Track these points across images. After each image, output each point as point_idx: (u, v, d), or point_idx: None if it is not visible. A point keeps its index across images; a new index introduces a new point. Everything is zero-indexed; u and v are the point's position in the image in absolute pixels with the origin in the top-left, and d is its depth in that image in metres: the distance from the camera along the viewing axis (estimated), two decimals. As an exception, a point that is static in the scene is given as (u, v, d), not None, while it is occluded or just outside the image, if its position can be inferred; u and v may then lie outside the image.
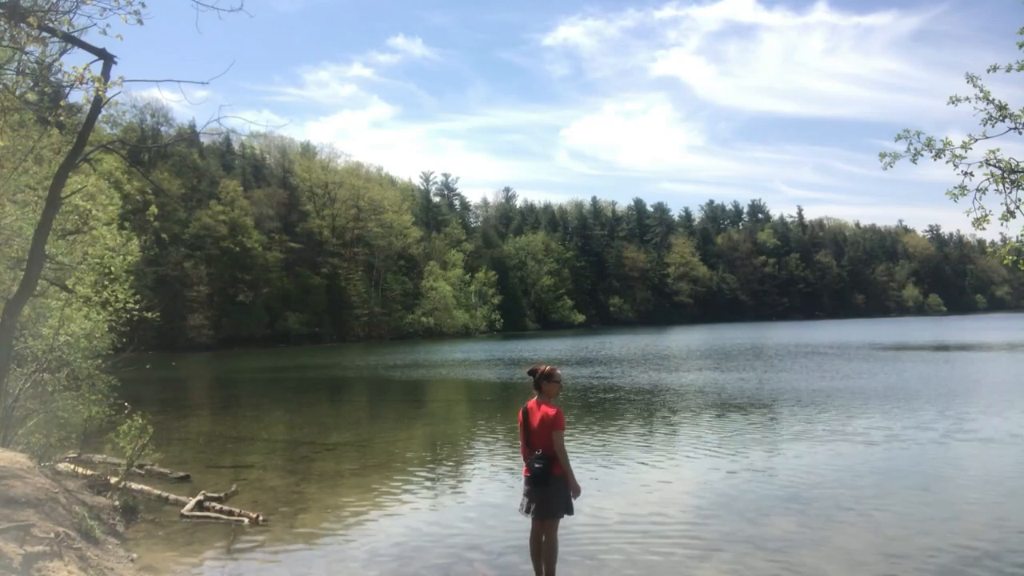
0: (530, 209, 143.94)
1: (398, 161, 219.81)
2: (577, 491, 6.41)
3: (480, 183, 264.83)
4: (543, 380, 6.55)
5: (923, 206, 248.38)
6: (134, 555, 7.58)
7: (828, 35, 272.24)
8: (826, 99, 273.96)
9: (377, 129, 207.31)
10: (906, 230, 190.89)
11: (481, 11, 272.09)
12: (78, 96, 12.47)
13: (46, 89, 9.66)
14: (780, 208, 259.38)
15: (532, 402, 6.59)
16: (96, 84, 7.21)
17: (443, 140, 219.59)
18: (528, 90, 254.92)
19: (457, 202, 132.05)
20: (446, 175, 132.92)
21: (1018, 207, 7.47)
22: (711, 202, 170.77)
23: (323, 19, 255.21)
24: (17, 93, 8.28)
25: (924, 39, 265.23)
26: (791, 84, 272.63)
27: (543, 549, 6.46)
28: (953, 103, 7.70)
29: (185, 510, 9.44)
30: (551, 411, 6.38)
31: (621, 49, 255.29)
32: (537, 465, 6.28)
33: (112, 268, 12.20)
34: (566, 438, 6.59)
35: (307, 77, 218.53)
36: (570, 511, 6.48)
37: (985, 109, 7.53)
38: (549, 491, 6.31)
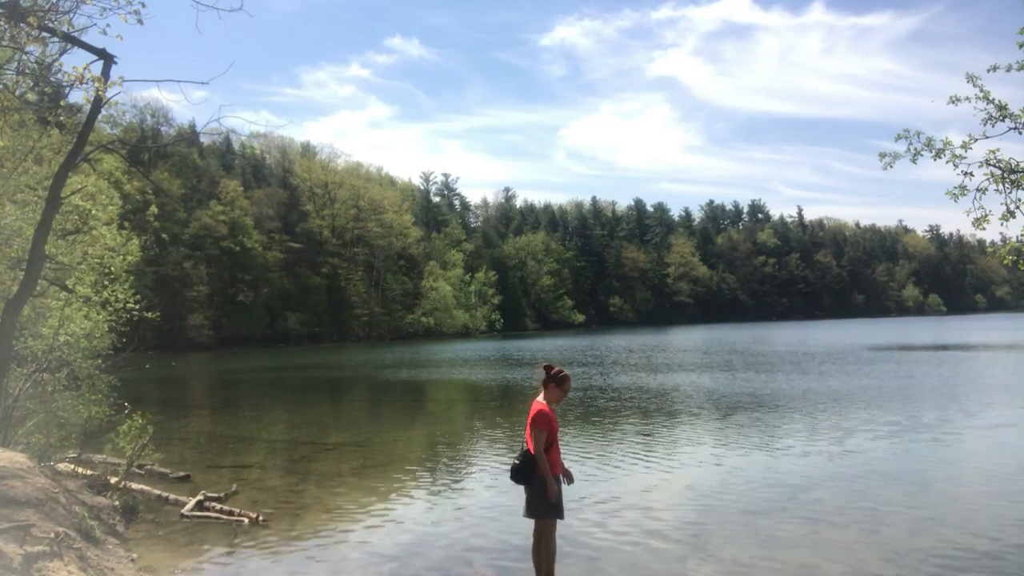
0: (530, 209, 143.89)
1: (396, 161, 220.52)
2: (553, 494, 6.15)
3: (479, 183, 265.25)
4: (550, 381, 6.47)
5: (923, 206, 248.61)
6: (134, 555, 7.58)
7: (825, 35, 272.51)
8: (823, 99, 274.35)
9: (375, 129, 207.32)
10: (906, 230, 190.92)
11: (478, 11, 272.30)
12: (78, 96, 12.47)
13: (46, 89, 9.66)
14: (779, 208, 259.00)
15: (535, 400, 6.55)
16: (96, 84, 7.21)
17: (441, 140, 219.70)
18: (526, 90, 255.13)
19: (457, 202, 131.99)
20: (446, 175, 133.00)
21: (1018, 207, 7.47)
22: (711, 202, 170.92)
23: (320, 19, 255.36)
24: (17, 93, 8.28)
25: (921, 39, 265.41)
26: (788, 84, 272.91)
27: (540, 550, 6.45)
28: (953, 103, 7.69)
29: (185, 510, 9.44)
30: (534, 409, 6.30)
31: (618, 49, 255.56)
32: (516, 461, 6.26)
33: (112, 268, 12.19)
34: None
35: (305, 77, 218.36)
36: (558, 515, 6.33)
37: (985, 109, 7.52)
38: (531, 490, 6.28)
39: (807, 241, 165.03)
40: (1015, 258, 7.96)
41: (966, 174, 7.60)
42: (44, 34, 7.21)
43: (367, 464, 13.11)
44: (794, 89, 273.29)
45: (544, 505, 6.23)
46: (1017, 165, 7.47)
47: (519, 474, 6.25)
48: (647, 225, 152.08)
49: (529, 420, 6.31)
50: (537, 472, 6.19)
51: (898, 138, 7.80)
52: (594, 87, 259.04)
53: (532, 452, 6.23)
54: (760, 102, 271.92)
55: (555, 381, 6.44)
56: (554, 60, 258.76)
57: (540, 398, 6.47)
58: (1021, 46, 7.39)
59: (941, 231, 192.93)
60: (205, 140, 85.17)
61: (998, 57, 7.77)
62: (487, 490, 10.89)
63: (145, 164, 66.31)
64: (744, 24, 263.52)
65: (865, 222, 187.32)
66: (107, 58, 7.81)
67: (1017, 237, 7.90)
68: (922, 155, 7.75)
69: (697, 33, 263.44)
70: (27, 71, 8.48)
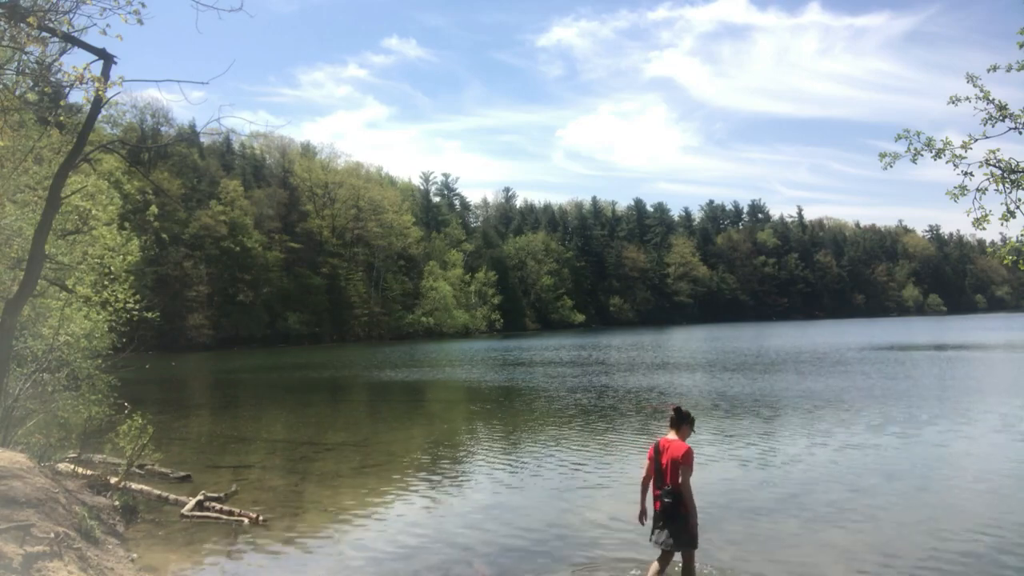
0: (530, 209, 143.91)
1: (395, 161, 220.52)
2: (695, 526, 6.43)
3: (477, 183, 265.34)
4: (683, 422, 6.63)
5: (923, 206, 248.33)
6: (134, 555, 7.58)
7: (821, 36, 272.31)
8: (820, 100, 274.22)
9: (372, 130, 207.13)
10: (906, 230, 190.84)
11: (475, 12, 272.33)
12: (78, 96, 12.50)
13: (46, 89, 9.66)
14: (778, 208, 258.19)
15: (665, 439, 6.62)
16: (96, 84, 7.22)
17: (439, 140, 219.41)
18: (523, 91, 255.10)
19: (457, 202, 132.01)
20: (446, 175, 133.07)
21: (1018, 207, 7.46)
22: (711, 202, 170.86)
23: (318, 20, 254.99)
24: (17, 93, 8.29)
25: (917, 40, 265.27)
26: (785, 85, 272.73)
27: None
28: (953, 103, 7.68)
29: (185, 510, 9.43)
30: (682, 448, 6.46)
31: (615, 50, 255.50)
32: (667, 500, 6.35)
33: (112, 268, 12.20)
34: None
35: (302, 78, 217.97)
36: (695, 544, 6.51)
37: (985, 109, 7.51)
38: (679, 526, 6.37)
39: (807, 241, 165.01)
40: (1015, 258, 7.96)
41: (966, 174, 7.59)
42: (44, 34, 7.22)
43: (366, 464, 13.11)
44: (791, 89, 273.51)
45: (690, 537, 6.42)
46: (1017, 165, 7.47)
47: (673, 512, 6.33)
48: (647, 225, 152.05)
49: (681, 456, 6.40)
50: (682, 510, 6.35)
51: (898, 138, 7.79)
52: (591, 87, 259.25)
53: (675, 490, 6.34)
54: (757, 102, 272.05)
55: (689, 422, 6.68)
56: (551, 61, 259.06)
57: (671, 436, 6.59)
58: (1021, 46, 7.39)
59: (941, 231, 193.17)
60: (205, 140, 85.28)
61: (995, 57, 7.81)
62: (487, 490, 10.89)
63: (145, 164, 66.31)
64: (740, 24, 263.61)
65: (865, 222, 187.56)
66: (107, 58, 7.81)
67: (1017, 237, 7.89)
68: (922, 155, 7.73)
69: (694, 34, 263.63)
70: (27, 71, 8.48)
